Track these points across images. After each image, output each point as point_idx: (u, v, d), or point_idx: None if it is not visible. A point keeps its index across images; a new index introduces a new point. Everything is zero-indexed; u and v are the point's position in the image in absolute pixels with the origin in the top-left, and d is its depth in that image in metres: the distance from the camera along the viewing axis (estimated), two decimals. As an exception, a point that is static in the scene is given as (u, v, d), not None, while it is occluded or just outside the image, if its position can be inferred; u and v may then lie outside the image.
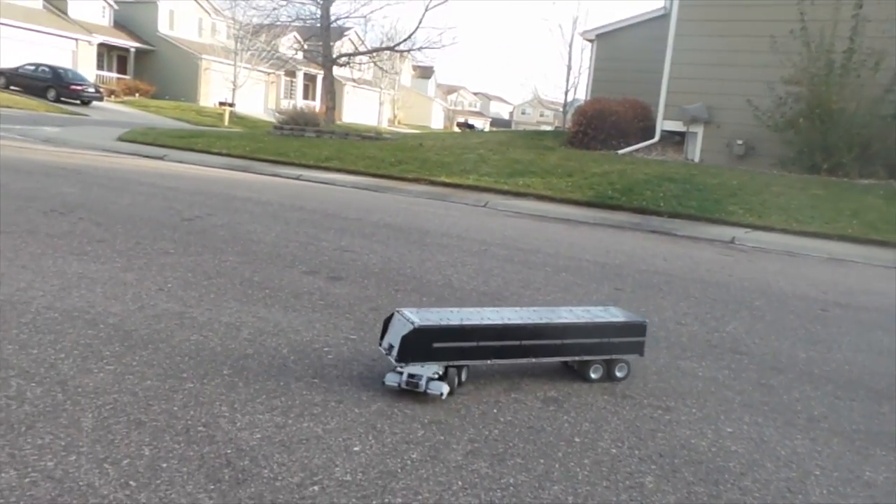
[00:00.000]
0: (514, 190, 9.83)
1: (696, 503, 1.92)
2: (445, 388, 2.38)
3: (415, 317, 2.46)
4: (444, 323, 2.46)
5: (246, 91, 34.70)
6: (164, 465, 1.83)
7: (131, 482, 1.73)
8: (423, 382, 2.37)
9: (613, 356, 2.70)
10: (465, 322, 2.49)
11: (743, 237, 8.03)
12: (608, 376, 2.71)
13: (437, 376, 2.40)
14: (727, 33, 12.35)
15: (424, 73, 53.60)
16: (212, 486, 1.75)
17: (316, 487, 1.80)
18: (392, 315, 2.54)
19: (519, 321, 2.58)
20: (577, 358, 2.70)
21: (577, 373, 2.74)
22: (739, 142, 12.37)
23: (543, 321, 2.60)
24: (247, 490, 1.75)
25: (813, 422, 2.53)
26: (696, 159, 12.79)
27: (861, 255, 7.43)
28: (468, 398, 2.47)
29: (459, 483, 1.90)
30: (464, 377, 2.52)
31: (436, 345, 2.42)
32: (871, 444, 2.38)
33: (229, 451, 1.93)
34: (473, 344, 2.49)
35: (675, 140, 13.35)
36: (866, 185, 10.66)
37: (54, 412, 2.05)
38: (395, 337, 2.45)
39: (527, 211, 8.46)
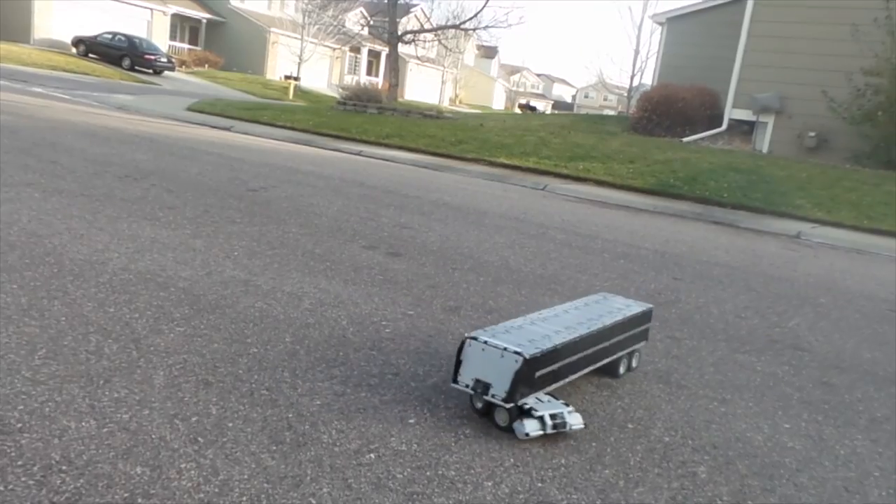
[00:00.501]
0: (573, 174, 9.73)
1: (749, 496, 1.91)
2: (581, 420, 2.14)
3: (510, 343, 2.07)
4: (544, 347, 2.12)
5: (311, 65, 35.08)
6: (230, 424, 1.92)
7: (199, 438, 1.82)
8: (568, 420, 2.08)
9: (632, 347, 2.62)
10: (558, 342, 2.18)
11: (809, 232, 7.78)
12: (628, 368, 2.64)
13: (569, 408, 2.13)
14: (805, 20, 11.86)
15: (488, 52, 53.15)
16: (274, 448, 1.83)
17: (372, 455, 1.87)
18: (465, 343, 2.11)
19: (585, 330, 2.32)
20: (614, 357, 2.52)
21: (602, 371, 2.54)
22: (812, 134, 11.93)
23: (597, 326, 2.39)
24: (307, 453, 1.82)
25: (875, 423, 2.47)
26: (765, 150, 12.40)
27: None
28: (522, 378, 2.50)
29: (511, 460, 1.94)
30: None
31: (538, 373, 2.11)
32: (933, 452, 2.31)
33: (290, 416, 2.01)
34: (563, 363, 2.23)
35: (743, 129, 12.95)
36: (948, 184, 10.16)
37: (129, 368, 2.17)
38: (489, 371, 2.06)
39: (586, 196, 8.37)
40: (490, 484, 1.81)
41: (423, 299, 3.24)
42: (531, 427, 2.03)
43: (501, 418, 2.08)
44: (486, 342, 2.07)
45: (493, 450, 1.98)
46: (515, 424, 2.05)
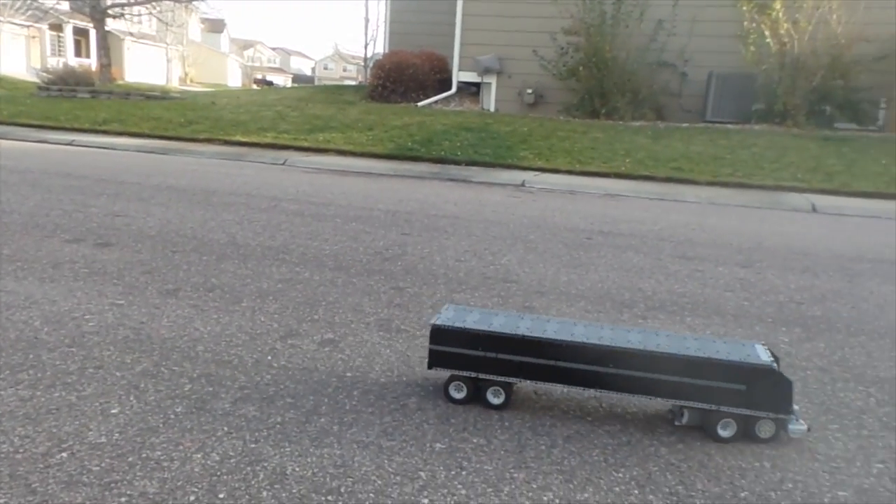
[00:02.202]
0: (314, 146, 9.70)
1: (452, 414, 2.08)
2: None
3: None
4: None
5: (1, 48, 30.50)
6: None
7: None
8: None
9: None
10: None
11: (532, 180, 8.57)
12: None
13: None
14: (513, -15, 12.91)
15: (215, 26, 50.19)
16: (-62, 469, 1.62)
17: (64, 454, 1.73)
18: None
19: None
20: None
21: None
22: (529, 91, 13.09)
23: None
24: (-19, 467, 1.64)
25: (565, 334, 2.82)
26: (492, 109, 13.37)
27: (632, 189, 8.23)
28: (241, 349, 2.47)
29: (225, 429, 1.92)
30: None
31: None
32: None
33: (-37, 432, 1.79)
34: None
35: (472, 91, 13.83)
36: (637, 127, 11.76)
37: None
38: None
39: (327, 167, 8.40)
40: (199, 455, 1.77)
41: (136, 286, 3.05)
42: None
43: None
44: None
45: (205, 423, 1.94)
46: None
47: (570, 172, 9.30)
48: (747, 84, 12.13)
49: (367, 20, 25.81)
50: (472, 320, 2.19)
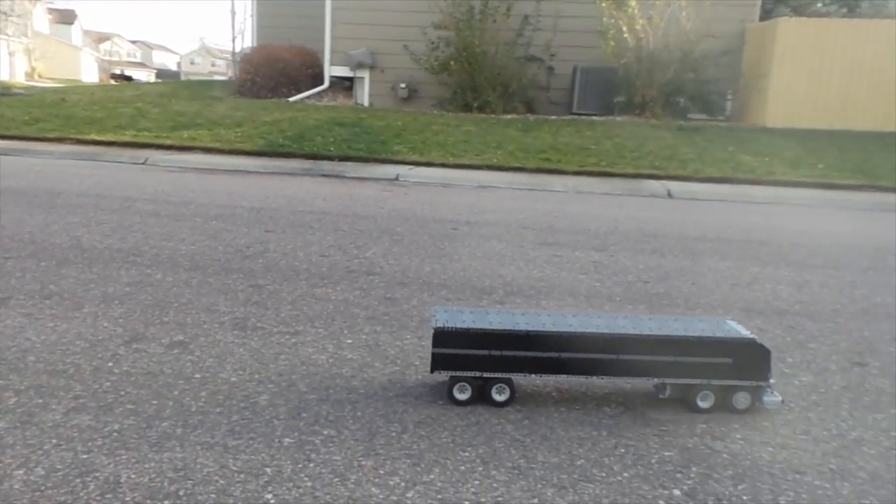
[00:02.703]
0: (178, 144, 9.27)
1: (304, 409, 2.06)
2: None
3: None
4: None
5: None
6: None
7: None
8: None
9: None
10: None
11: (407, 174, 8.61)
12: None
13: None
14: (381, -21, 12.89)
15: (65, 17, 46.53)
16: None
17: None
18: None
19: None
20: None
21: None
22: (403, 85, 13.13)
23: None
24: None
25: (423, 323, 2.86)
26: (366, 103, 13.31)
27: (503, 180, 8.45)
28: (79, 356, 2.33)
29: (53, 441, 1.81)
30: None
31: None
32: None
33: None
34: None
35: (345, 86, 13.70)
36: (508, 120, 12.08)
37: None
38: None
39: (192, 165, 8.06)
40: (21, 472, 1.66)
41: (-38, 298, 2.81)
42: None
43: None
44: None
45: (30, 437, 1.82)
46: None
47: (443, 165, 9.42)
48: (609, 77, 12.74)
49: (233, 13, 24.87)
50: (471, 320, 2.19)
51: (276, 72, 13.05)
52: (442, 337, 2.13)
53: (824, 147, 10.54)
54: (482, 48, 12.28)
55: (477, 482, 1.74)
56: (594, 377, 2.21)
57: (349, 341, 2.62)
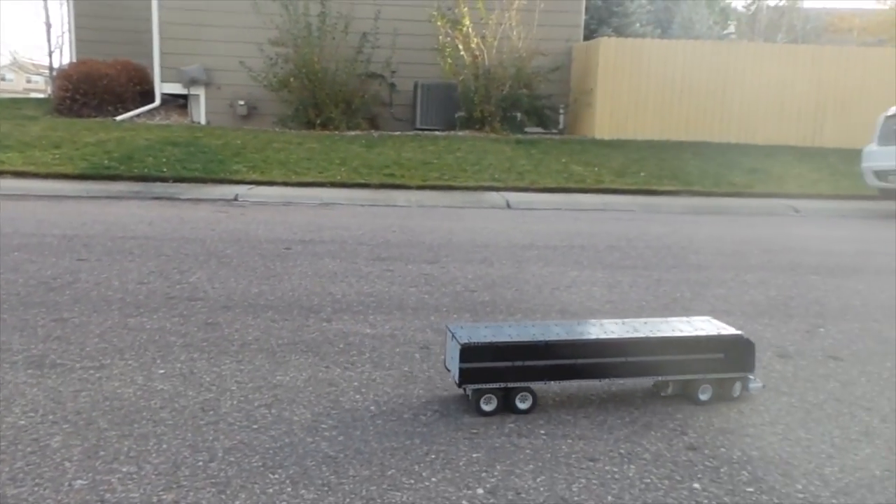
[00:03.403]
0: (-16, 169, 8.46)
1: (103, 446, 1.94)
2: None
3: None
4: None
5: None
6: None
7: None
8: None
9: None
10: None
11: (246, 194, 8.38)
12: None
13: None
14: (212, -8, 12.50)
15: None
16: None
17: None
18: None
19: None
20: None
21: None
22: (241, 102, 12.78)
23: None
24: None
25: (245, 346, 2.80)
26: (202, 122, 12.81)
27: (347, 197, 8.44)
28: None
29: None
30: None
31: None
32: (289, 353, 2.74)
33: None
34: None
35: (179, 103, 13.12)
36: (352, 137, 12.09)
37: None
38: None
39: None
40: None
41: None
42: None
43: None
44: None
45: None
46: None
47: (286, 184, 9.27)
48: (450, 93, 13.12)
49: (48, 24, 23.05)
50: (491, 335, 2.31)
51: (100, 89, 12.24)
52: (469, 352, 2.22)
53: (646, 157, 11.45)
54: (322, 65, 12.23)
55: (284, 503, 1.72)
56: (607, 379, 2.40)
57: (161, 371, 2.50)
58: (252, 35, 12.33)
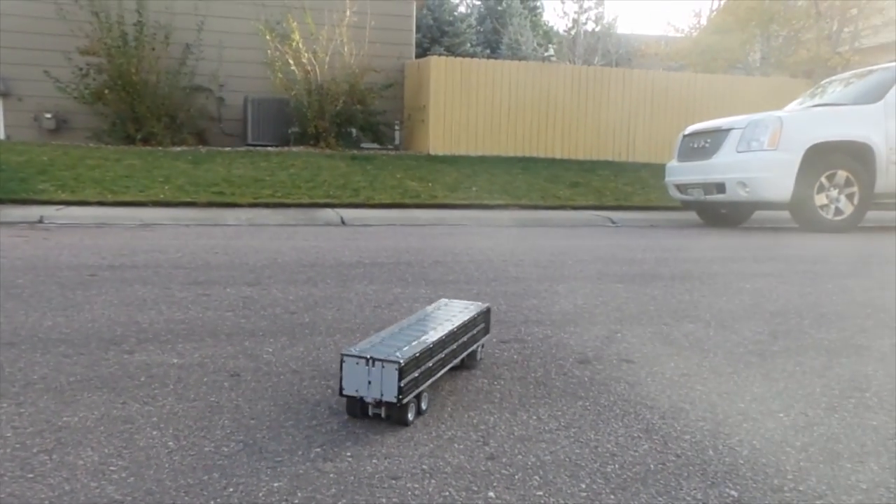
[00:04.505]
0: None
1: None
2: None
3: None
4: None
5: None
6: None
7: None
8: None
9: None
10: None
11: (54, 215, 7.73)
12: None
13: None
14: (11, -4, 11.42)
15: None
16: None
17: None
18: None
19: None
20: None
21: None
22: (48, 115, 11.77)
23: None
24: None
25: (28, 385, 2.55)
26: (1, 136, 11.63)
27: (170, 217, 8.01)
28: None
29: None
30: None
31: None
32: (81, 391, 2.53)
33: None
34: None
35: (-26, 116, 11.85)
36: (178, 152, 11.52)
37: None
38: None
39: None
40: None
41: None
42: None
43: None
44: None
45: None
46: None
47: (101, 204, 8.66)
48: (282, 108, 12.90)
49: None
50: (397, 346, 2.35)
51: None
52: (404, 370, 2.25)
53: (477, 172, 11.89)
54: (141, 76, 11.58)
55: (55, 560, 1.58)
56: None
57: (-79, 422, 2.22)
58: (57, 43, 11.42)
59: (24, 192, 8.49)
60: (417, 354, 2.34)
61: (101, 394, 2.52)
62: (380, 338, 2.46)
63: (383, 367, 2.24)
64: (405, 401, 2.29)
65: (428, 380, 2.41)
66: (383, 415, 2.33)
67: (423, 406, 2.41)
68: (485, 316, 2.86)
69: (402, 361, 2.24)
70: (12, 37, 11.53)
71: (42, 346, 2.98)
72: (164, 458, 2.07)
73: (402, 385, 2.24)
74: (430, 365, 2.41)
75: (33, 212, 7.73)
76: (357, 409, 2.35)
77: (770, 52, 18.77)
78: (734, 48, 18.29)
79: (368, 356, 2.28)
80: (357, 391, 2.29)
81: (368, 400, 2.30)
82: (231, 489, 1.91)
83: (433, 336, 2.48)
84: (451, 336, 2.55)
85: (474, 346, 2.77)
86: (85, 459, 2.04)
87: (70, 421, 2.28)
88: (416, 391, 2.34)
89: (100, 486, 1.90)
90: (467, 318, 2.69)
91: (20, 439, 2.14)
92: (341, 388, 2.31)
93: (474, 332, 2.74)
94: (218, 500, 1.86)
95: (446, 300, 2.97)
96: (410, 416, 2.33)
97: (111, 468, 2.00)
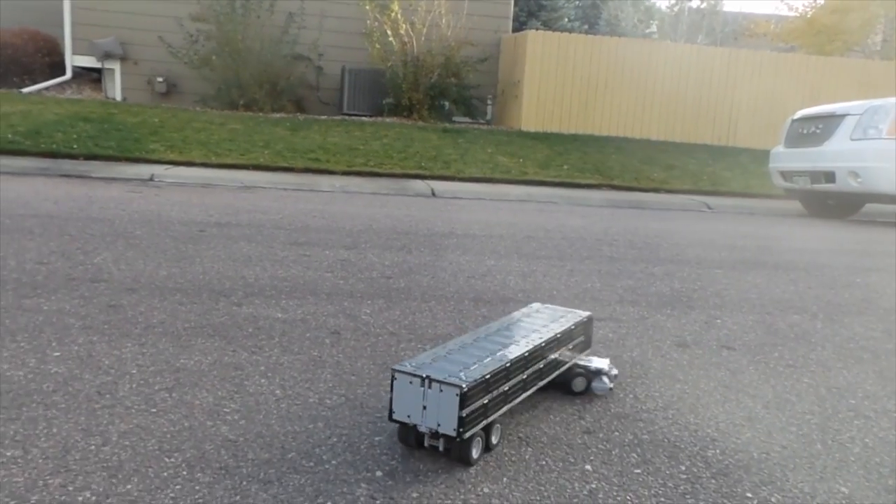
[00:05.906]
0: None
1: (-15, 434, 1.86)
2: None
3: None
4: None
5: None
6: None
7: None
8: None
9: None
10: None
11: (163, 174, 8.11)
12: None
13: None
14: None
15: None
16: None
17: None
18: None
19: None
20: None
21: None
22: (160, 79, 12.32)
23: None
24: None
25: (149, 328, 2.72)
26: (118, 97, 12.29)
27: (269, 181, 8.28)
28: None
29: None
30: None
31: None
32: (195, 337, 2.68)
33: None
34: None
35: (93, 77, 12.55)
36: (277, 119, 11.86)
37: None
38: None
39: None
40: None
41: None
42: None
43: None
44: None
45: None
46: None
47: (205, 165, 9.02)
48: (378, 79, 13.02)
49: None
50: (462, 365, 1.90)
51: (5, 59, 11.58)
52: (467, 396, 1.79)
53: (569, 150, 11.69)
54: (246, 44, 11.93)
55: (178, 486, 1.69)
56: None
57: (56, 354, 2.41)
58: (171, 8, 11.91)
59: (137, 151, 8.95)
60: (488, 376, 1.85)
61: (213, 341, 2.66)
62: (446, 349, 2.02)
63: (441, 390, 1.79)
64: (467, 435, 1.79)
65: (502, 407, 1.94)
66: (441, 448, 1.87)
67: (494, 440, 1.94)
68: (584, 327, 2.38)
69: (464, 386, 1.76)
70: (130, 3, 12.13)
71: (159, 294, 3.17)
72: (273, 405, 2.17)
73: (463, 415, 1.77)
74: (506, 389, 1.95)
75: (145, 170, 8.15)
76: (411, 437, 1.92)
77: (893, 34, 17.51)
78: (853, 29, 17.16)
79: (424, 375, 1.82)
80: (409, 417, 1.85)
81: (422, 429, 1.84)
82: (335, 439, 1.99)
83: (514, 351, 2.02)
84: (538, 352, 2.10)
85: (569, 364, 2.31)
86: (201, 400, 2.17)
87: (186, 363, 2.43)
88: (485, 422, 1.86)
89: (215, 426, 2.01)
90: (560, 329, 2.23)
91: (143, 377, 2.29)
92: (391, 412, 1.87)
93: (570, 346, 2.29)
94: (323, 447, 1.94)
95: (539, 305, 2.50)
96: (475, 454, 1.86)
97: (225, 409, 2.11)
